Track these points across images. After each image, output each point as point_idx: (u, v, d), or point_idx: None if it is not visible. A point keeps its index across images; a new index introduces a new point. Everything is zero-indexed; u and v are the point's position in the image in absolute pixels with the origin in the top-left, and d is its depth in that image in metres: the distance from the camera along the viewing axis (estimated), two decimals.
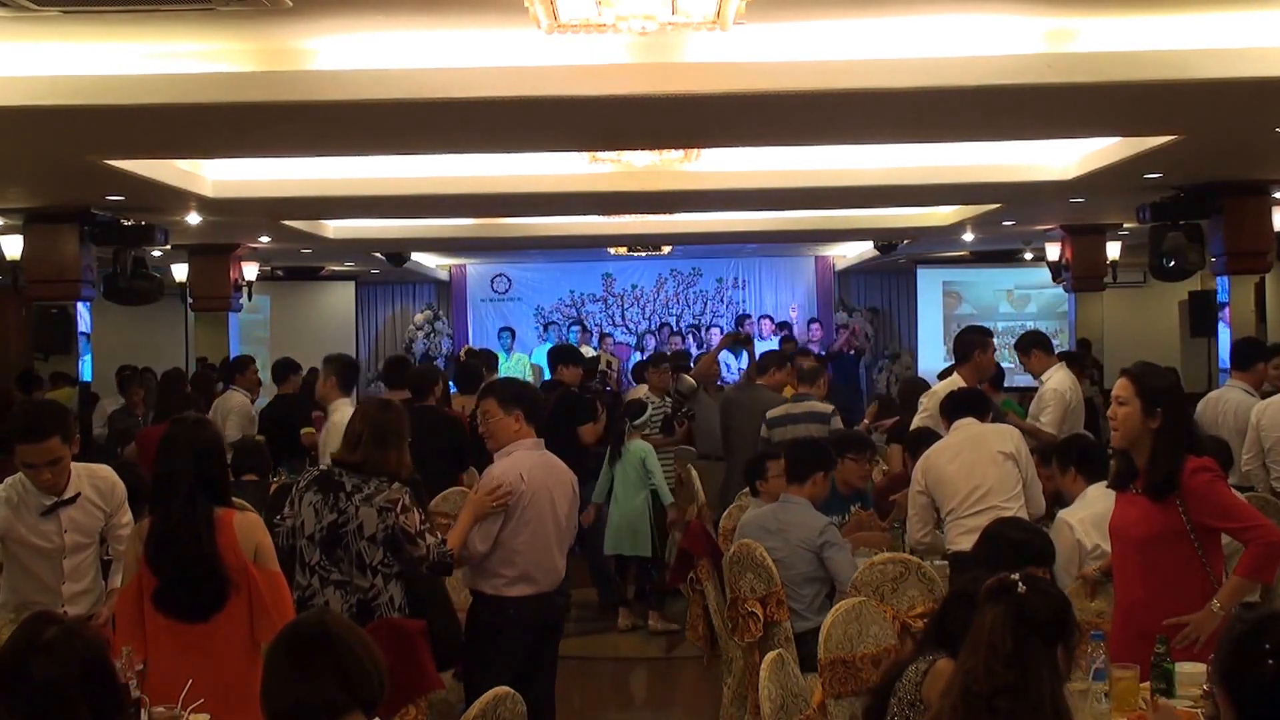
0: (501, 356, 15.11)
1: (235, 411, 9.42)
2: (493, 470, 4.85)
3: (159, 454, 4.05)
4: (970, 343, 6.88)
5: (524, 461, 4.83)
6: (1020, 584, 2.86)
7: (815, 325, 16.48)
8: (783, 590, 5.24)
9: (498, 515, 4.73)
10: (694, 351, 15.95)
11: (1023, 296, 17.46)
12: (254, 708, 2.64)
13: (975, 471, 5.44)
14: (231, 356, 12.13)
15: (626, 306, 18.53)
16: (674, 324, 17.64)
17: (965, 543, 5.21)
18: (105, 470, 4.78)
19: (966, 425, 5.67)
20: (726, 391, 9.44)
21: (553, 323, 17.52)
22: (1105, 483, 4.68)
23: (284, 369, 9.92)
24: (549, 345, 16.43)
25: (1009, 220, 12.23)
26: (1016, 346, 7.62)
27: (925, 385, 7.99)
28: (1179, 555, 3.97)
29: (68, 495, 4.50)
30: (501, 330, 17.16)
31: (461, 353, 9.58)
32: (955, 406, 5.84)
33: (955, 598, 3.46)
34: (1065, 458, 5.38)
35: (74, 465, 4.59)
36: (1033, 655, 2.79)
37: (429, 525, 4.50)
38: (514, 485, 4.73)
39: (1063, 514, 5.15)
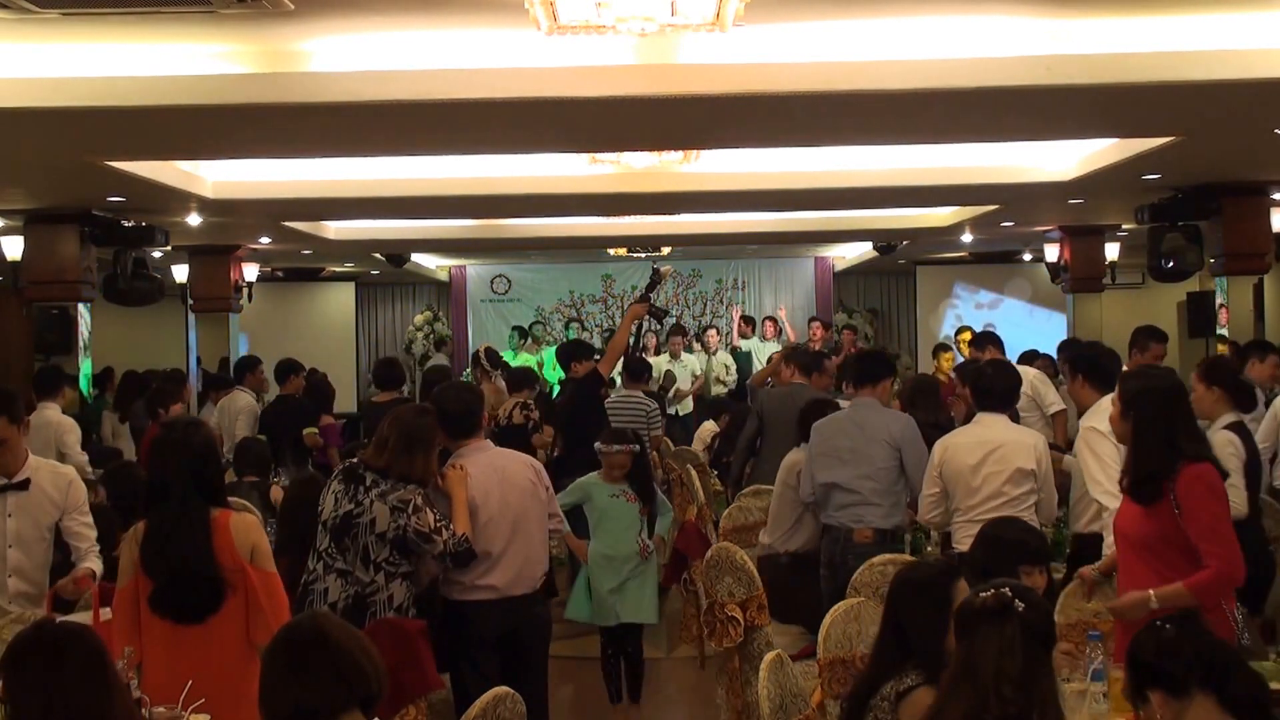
0: (509, 355, 15.08)
1: (244, 412, 9.46)
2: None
3: (151, 457, 4.06)
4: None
5: (467, 467, 4.81)
6: (1017, 601, 2.78)
7: (816, 325, 16.41)
8: (764, 594, 5.16)
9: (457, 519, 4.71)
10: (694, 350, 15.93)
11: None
12: (252, 708, 2.65)
13: (994, 482, 5.36)
14: (232, 357, 12.15)
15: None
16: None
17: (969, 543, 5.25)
18: (68, 469, 4.85)
19: (994, 424, 5.52)
20: (769, 391, 9.36)
21: (537, 322, 17.45)
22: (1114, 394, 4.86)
23: (286, 370, 9.94)
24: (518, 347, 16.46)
25: (1008, 221, 12.25)
26: (972, 343, 7.82)
27: (935, 382, 7.99)
28: (1178, 557, 3.97)
29: (18, 479, 4.53)
30: (513, 329, 17.09)
31: (481, 350, 9.55)
32: (985, 396, 5.64)
33: (902, 586, 3.41)
34: (1076, 364, 5.39)
35: (38, 460, 4.63)
36: (1038, 669, 2.75)
37: (445, 521, 4.52)
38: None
39: (1088, 420, 5.14)
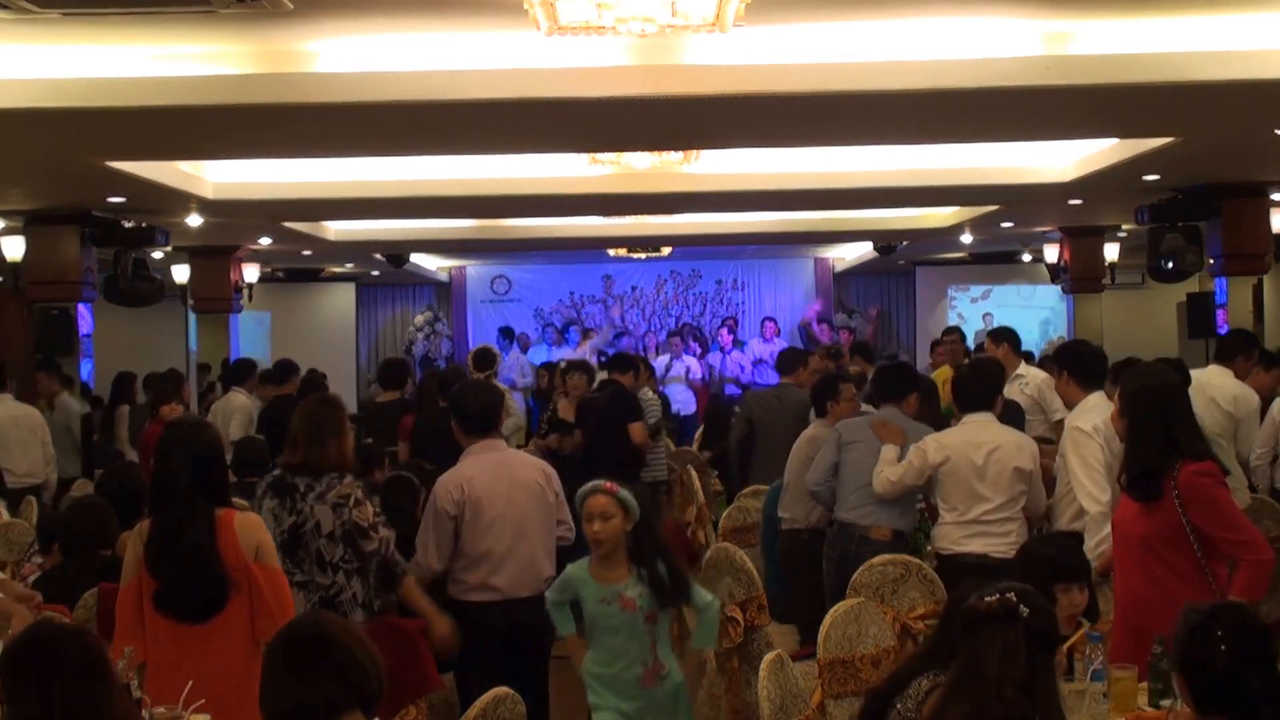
0: (501, 358, 15.10)
1: (239, 412, 9.49)
2: (435, 485, 4.88)
3: (157, 456, 4.07)
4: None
5: (467, 470, 4.82)
6: (1021, 606, 2.76)
7: (824, 326, 16.44)
8: (764, 595, 5.16)
9: (441, 529, 4.74)
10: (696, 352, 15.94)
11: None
12: (255, 707, 2.66)
13: (997, 486, 5.34)
14: (232, 358, 12.16)
15: (626, 308, 18.54)
16: (674, 324, 17.67)
17: (972, 544, 5.24)
18: None
19: (987, 425, 5.48)
20: (755, 391, 9.38)
21: (550, 324, 17.49)
22: (1104, 391, 5.03)
23: (283, 370, 9.95)
24: (544, 345, 16.51)
25: (1008, 222, 12.25)
26: (989, 335, 7.77)
27: (933, 384, 7.98)
28: (1178, 555, 3.99)
29: None
30: (501, 330, 17.16)
31: (470, 356, 9.61)
32: (968, 398, 5.59)
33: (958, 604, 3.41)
34: (1061, 362, 5.40)
35: None
36: (1041, 672, 2.74)
37: (383, 519, 4.51)
38: (441, 501, 4.74)
39: (1073, 420, 5.13)
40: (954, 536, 5.38)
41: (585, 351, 15.15)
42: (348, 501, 4.36)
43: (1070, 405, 5.35)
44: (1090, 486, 4.94)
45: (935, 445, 5.52)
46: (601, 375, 9.06)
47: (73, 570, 4.89)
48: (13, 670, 2.68)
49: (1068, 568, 3.92)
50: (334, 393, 4.96)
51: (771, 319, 16.91)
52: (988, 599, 2.82)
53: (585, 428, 8.43)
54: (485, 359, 9.59)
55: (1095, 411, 5.07)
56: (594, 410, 8.42)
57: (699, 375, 15.20)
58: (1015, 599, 2.78)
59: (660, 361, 14.73)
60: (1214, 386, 6.84)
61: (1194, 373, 6.88)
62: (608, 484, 4.35)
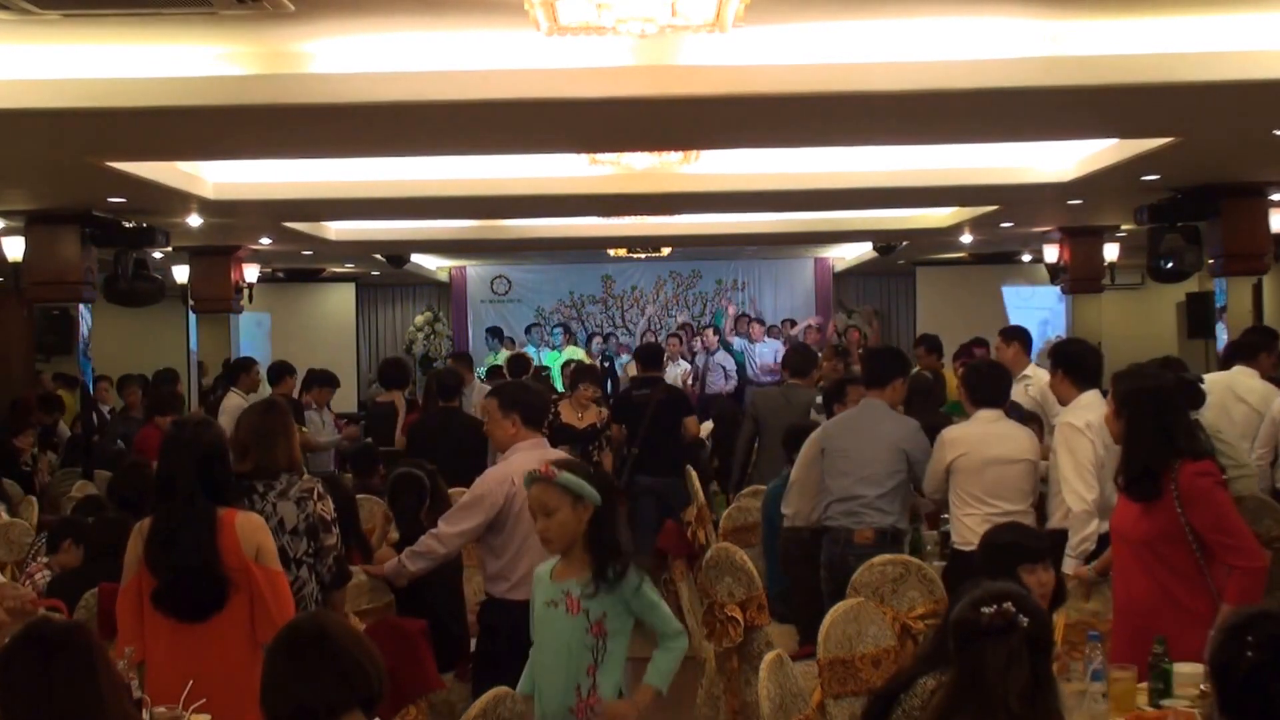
0: (491, 357, 15.12)
1: (227, 412, 9.49)
2: (484, 476, 4.86)
3: (161, 454, 4.08)
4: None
5: (518, 465, 4.80)
6: (1020, 616, 2.74)
7: (811, 330, 16.40)
8: (764, 594, 5.15)
9: (475, 517, 4.74)
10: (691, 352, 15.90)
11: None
12: (255, 708, 2.66)
13: (1015, 480, 5.39)
14: (233, 359, 12.17)
15: (626, 308, 18.55)
16: (674, 324, 17.63)
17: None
18: None
19: (995, 419, 5.54)
20: (762, 391, 9.36)
21: (537, 324, 17.43)
22: (1099, 390, 5.04)
23: (279, 371, 9.96)
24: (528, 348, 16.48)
25: (1007, 222, 12.25)
26: (1000, 333, 7.80)
27: (931, 383, 7.99)
28: (1177, 557, 3.99)
29: None
30: (489, 330, 17.16)
31: (505, 364, 9.63)
32: (980, 393, 5.64)
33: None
34: (1057, 360, 5.41)
35: None
36: (1042, 678, 2.73)
37: (335, 518, 4.51)
38: (493, 495, 4.74)
39: (1065, 416, 5.15)
40: (980, 531, 5.33)
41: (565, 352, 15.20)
42: (311, 495, 4.37)
43: (1064, 403, 5.35)
44: (1076, 483, 4.94)
45: (950, 441, 5.55)
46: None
47: (98, 576, 4.86)
48: (3, 672, 2.67)
49: (1029, 549, 3.94)
50: (277, 397, 4.94)
51: (747, 314, 16.83)
52: (985, 610, 2.80)
53: (634, 424, 8.33)
54: (522, 364, 9.56)
55: (1089, 409, 5.08)
56: (647, 407, 8.34)
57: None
58: (1014, 609, 2.78)
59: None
60: (1243, 387, 6.82)
61: (1220, 375, 6.88)
62: (544, 468, 3.68)
